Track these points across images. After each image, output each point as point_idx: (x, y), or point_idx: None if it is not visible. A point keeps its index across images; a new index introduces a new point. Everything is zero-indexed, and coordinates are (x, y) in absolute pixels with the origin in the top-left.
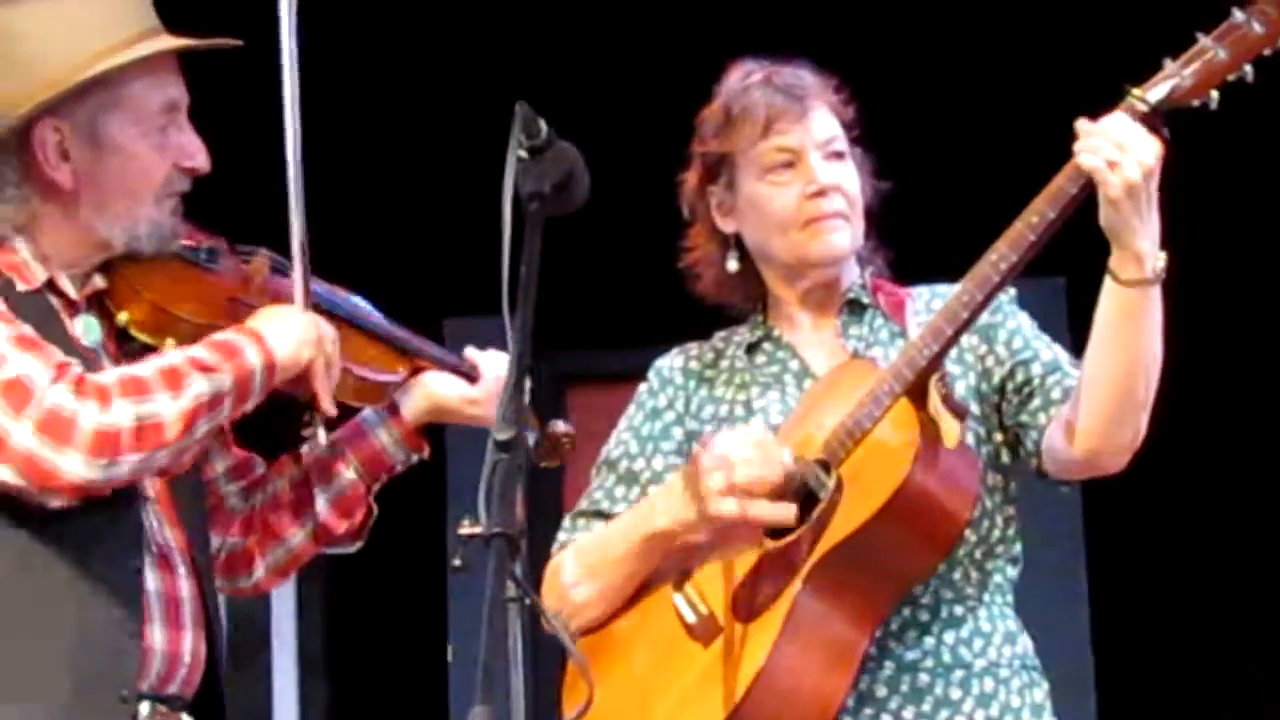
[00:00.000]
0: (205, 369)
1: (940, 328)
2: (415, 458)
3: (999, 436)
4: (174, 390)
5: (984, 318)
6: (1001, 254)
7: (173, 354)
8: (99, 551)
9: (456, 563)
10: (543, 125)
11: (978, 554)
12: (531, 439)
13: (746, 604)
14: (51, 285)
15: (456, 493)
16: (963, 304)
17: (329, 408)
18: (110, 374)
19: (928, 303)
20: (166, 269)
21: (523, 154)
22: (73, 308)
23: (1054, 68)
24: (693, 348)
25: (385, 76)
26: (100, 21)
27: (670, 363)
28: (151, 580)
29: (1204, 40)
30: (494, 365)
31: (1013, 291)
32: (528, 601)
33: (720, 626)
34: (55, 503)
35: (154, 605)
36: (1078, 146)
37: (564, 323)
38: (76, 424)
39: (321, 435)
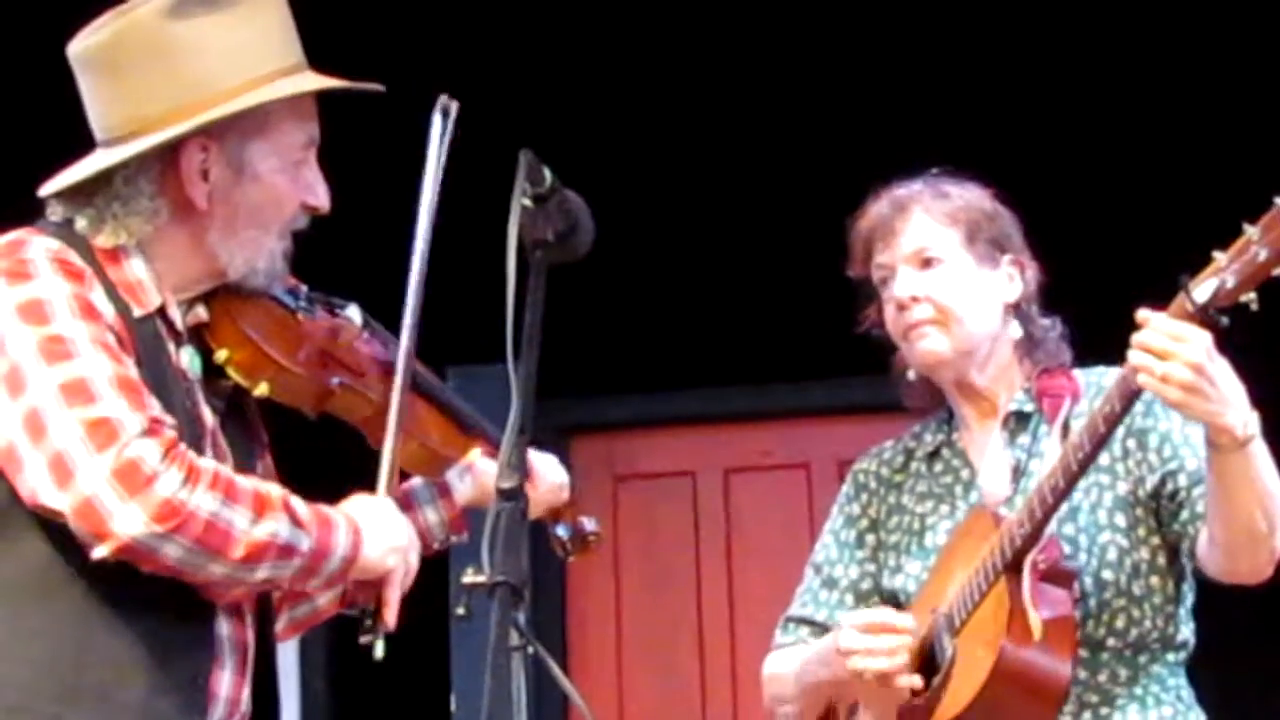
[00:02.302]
0: (295, 519)
1: (1033, 509)
2: (454, 540)
3: (1157, 540)
4: (258, 515)
5: (1137, 421)
6: (1079, 444)
7: (272, 487)
8: (177, 596)
9: (460, 611)
10: (547, 173)
11: (1127, 653)
12: (564, 533)
13: None
14: (161, 311)
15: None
16: (1050, 488)
17: (391, 620)
18: (207, 461)
19: (1091, 399)
20: (267, 310)
21: (527, 202)
22: (178, 337)
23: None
24: (886, 449)
25: (387, 123)
26: (257, 48)
27: (865, 466)
28: (224, 626)
29: (1249, 231)
30: (550, 470)
31: None
32: (531, 650)
33: None
34: (96, 552)
35: (225, 652)
36: (1129, 359)
37: (566, 372)
38: (153, 485)
39: (379, 648)
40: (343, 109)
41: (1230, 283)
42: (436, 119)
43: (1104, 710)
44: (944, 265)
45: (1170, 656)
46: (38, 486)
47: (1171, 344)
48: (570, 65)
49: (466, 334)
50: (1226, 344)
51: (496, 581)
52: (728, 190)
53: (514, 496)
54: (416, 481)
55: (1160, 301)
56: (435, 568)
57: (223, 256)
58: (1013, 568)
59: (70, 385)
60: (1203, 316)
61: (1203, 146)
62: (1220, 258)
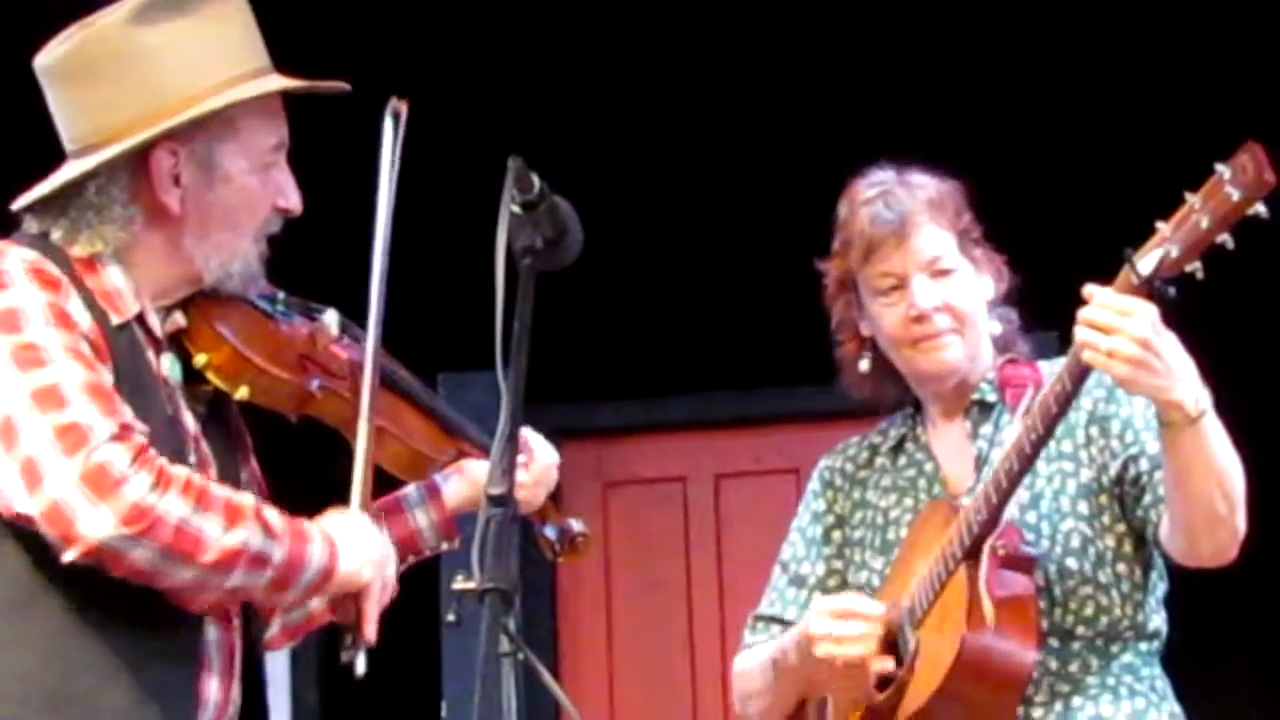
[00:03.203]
0: (267, 529)
1: (990, 494)
2: (445, 546)
3: (1122, 527)
4: (230, 523)
5: (1100, 409)
6: (1032, 425)
7: (245, 496)
8: (163, 601)
9: (450, 618)
10: (535, 180)
11: (1098, 642)
12: (552, 534)
13: None
14: (140, 319)
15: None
16: (1004, 472)
17: (371, 635)
18: (179, 468)
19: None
20: (245, 314)
21: (515, 209)
22: (157, 345)
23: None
24: (851, 445)
25: (378, 131)
26: (222, 52)
27: (830, 463)
28: (211, 630)
29: (1190, 200)
30: (543, 452)
31: None
32: (521, 656)
33: None
34: (66, 556)
35: (213, 655)
36: (1076, 335)
37: (556, 378)
38: (121, 488)
39: (360, 663)
40: (324, 111)
41: (1175, 253)
42: (388, 123)
43: (1076, 700)
44: (956, 274)
45: (1143, 646)
46: (10, 493)
47: (1117, 319)
48: (559, 72)
49: (457, 340)
50: (1178, 317)
51: (487, 588)
52: (717, 196)
53: (504, 502)
54: (409, 488)
55: (1106, 277)
56: (426, 574)
57: (198, 261)
58: (972, 555)
59: (42, 392)
60: (1149, 288)
61: (1141, 123)
62: (1163, 228)
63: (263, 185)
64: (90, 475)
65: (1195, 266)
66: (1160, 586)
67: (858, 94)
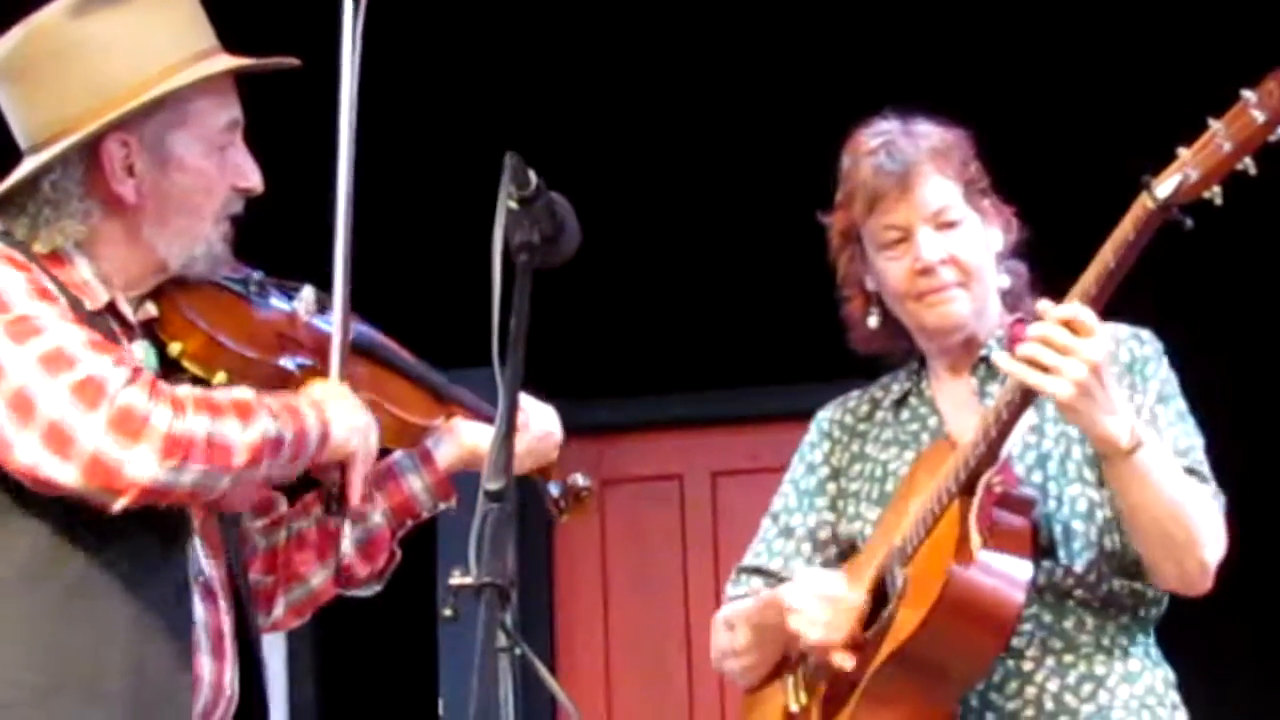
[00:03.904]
0: (272, 414)
1: (988, 427)
2: (443, 506)
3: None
4: (244, 420)
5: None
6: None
7: (242, 390)
8: (153, 582)
9: (447, 613)
10: (532, 176)
11: (1095, 603)
12: (556, 490)
13: (830, 700)
14: (112, 308)
15: (447, 542)
16: (1005, 405)
17: (356, 499)
18: (184, 388)
19: None
20: (215, 298)
21: (512, 205)
22: (130, 332)
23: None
24: (852, 397)
25: (375, 127)
26: (165, 38)
27: (829, 415)
28: (199, 611)
29: (1214, 125)
30: (534, 413)
31: (1158, 346)
32: (518, 651)
33: None
34: (117, 505)
35: (201, 636)
36: (1021, 351)
37: (552, 375)
38: (150, 423)
39: (348, 532)
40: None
41: (1193, 176)
42: (348, 3)
43: (1068, 658)
44: (963, 225)
45: (1141, 613)
46: (38, 462)
47: (1074, 339)
48: (555, 68)
49: (453, 337)
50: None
51: (484, 583)
52: (714, 194)
53: (500, 498)
54: (398, 454)
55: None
56: (423, 571)
57: (160, 249)
58: (968, 490)
59: (48, 356)
60: (1165, 214)
61: (1159, 81)
62: (1184, 153)
63: (219, 167)
64: (117, 420)
65: (1214, 193)
66: None
67: (856, 98)
